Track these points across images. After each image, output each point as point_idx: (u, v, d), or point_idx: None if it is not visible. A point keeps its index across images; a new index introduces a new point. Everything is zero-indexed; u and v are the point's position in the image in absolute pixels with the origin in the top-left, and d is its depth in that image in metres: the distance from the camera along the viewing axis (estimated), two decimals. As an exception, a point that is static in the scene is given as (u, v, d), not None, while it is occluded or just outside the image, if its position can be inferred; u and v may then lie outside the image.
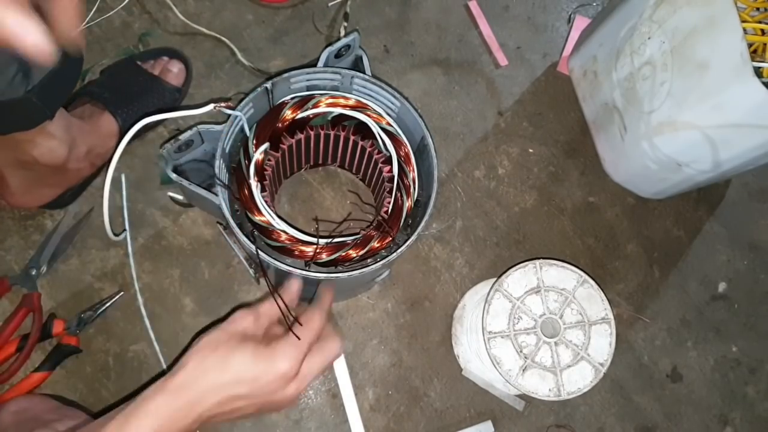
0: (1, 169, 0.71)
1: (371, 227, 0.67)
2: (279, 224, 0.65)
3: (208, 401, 0.49)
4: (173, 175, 0.64)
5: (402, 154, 0.69)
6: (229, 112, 0.63)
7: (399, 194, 0.69)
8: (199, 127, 0.64)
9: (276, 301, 0.56)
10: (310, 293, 0.78)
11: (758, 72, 0.66)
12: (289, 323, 0.55)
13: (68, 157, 0.70)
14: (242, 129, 0.67)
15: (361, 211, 0.83)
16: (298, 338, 0.53)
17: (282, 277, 0.62)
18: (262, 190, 0.66)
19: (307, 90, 0.70)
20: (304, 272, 0.60)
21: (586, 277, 0.71)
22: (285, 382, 0.52)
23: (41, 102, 0.60)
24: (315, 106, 0.69)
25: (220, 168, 0.64)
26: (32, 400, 0.67)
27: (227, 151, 0.67)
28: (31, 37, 0.31)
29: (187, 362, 0.50)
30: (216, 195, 0.63)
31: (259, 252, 0.60)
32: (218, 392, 0.49)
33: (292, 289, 0.60)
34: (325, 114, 0.70)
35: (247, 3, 0.92)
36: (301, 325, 0.54)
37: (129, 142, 0.61)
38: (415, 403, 0.79)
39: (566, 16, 1.00)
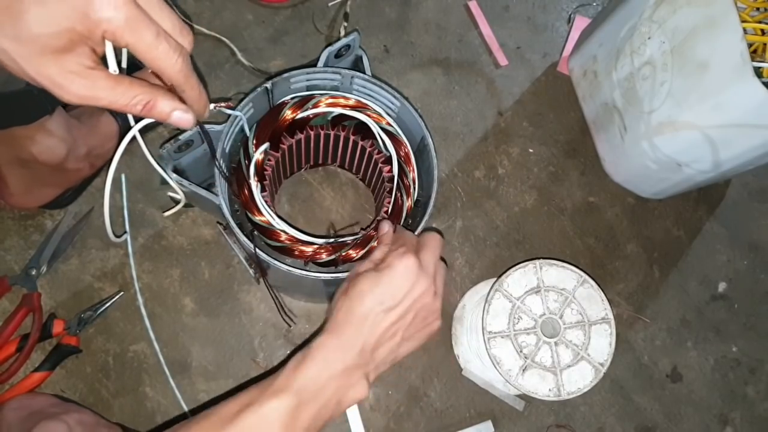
0: (1, 167, 0.71)
1: (371, 227, 0.67)
2: (279, 224, 0.65)
3: (363, 327, 0.51)
4: (173, 175, 0.64)
5: (402, 154, 0.69)
6: (229, 112, 0.63)
7: (399, 194, 0.69)
8: (199, 127, 0.64)
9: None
10: (310, 294, 0.78)
11: (758, 72, 0.66)
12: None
13: (68, 157, 0.70)
14: (242, 129, 0.67)
15: (362, 210, 0.83)
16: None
17: (282, 277, 0.62)
18: (262, 190, 0.66)
19: (307, 90, 0.70)
20: (304, 272, 0.60)
21: (586, 277, 0.71)
22: (414, 276, 0.53)
23: (42, 95, 0.59)
24: (315, 106, 0.69)
25: (220, 168, 0.64)
26: (34, 397, 0.67)
27: (227, 151, 0.67)
28: (185, 120, 0.44)
29: (337, 306, 0.53)
30: (216, 195, 0.63)
31: (258, 252, 0.60)
32: (366, 316, 0.51)
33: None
34: (325, 114, 0.70)
35: (247, 3, 0.92)
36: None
37: (129, 142, 0.61)
38: (415, 403, 0.79)
39: (566, 16, 1.00)
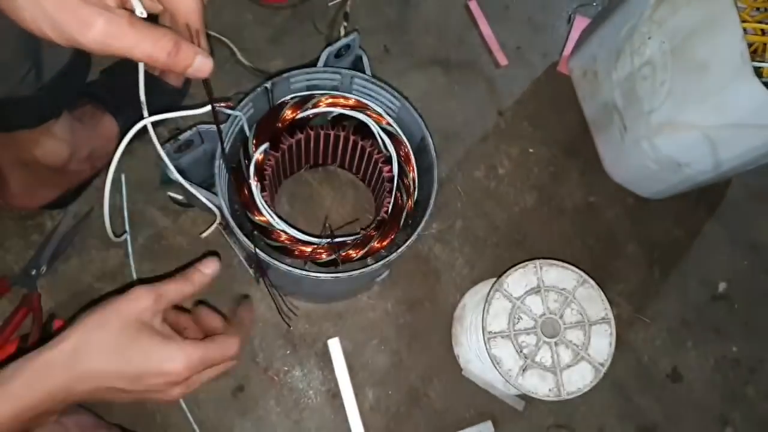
0: (3, 168, 0.71)
1: (371, 227, 0.67)
2: (279, 224, 0.65)
3: (82, 387, 0.44)
4: (173, 175, 0.64)
5: (402, 154, 0.69)
6: (229, 112, 0.63)
7: (399, 194, 0.69)
8: (199, 127, 0.64)
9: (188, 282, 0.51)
10: (310, 294, 0.78)
11: (758, 72, 0.66)
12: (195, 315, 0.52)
13: (70, 159, 0.71)
14: (242, 129, 0.67)
15: (362, 211, 0.83)
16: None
17: (282, 277, 0.62)
18: (262, 190, 0.66)
19: (307, 90, 0.70)
20: (304, 272, 0.60)
21: (586, 277, 0.71)
22: (172, 385, 0.47)
23: (51, 100, 0.60)
24: (315, 106, 0.69)
25: (220, 168, 0.64)
26: None
27: (227, 151, 0.67)
28: (206, 67, 0.40)
29: (66, 339, 0.44)
30: (216, 195, 0.63)
31: (258, 252, 0.60)
32: (96, 380, 0.44)
33: (205, 272, 0.53)
34: (325, 114, 0.70)
35: (247, 3, 0.92)
36: (207, 332, 0.52)
37: (129, 143, 0.61)
38: (415, 403, 0.79)
39: (566, 16, 1.00)
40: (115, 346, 0.45)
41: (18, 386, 0.42)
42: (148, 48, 0.37)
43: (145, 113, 0.50)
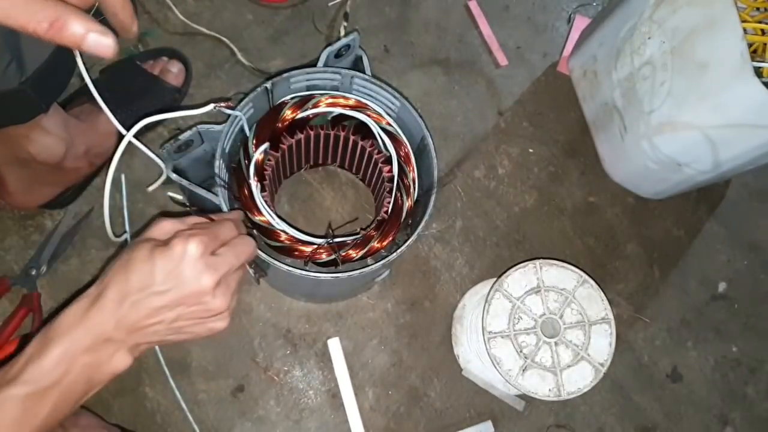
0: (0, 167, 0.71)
1: (371, 227, 0.67)
2: (279, 224, 0.65)
3: (117, 306, 0.46)
4: (173, 175, 0.64)
5: (402, 154, 0.69)
6: (229, 112, 0.63)
7: (399, 194, 0.69)
8: (199, 127, 0.64)
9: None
10: (310, 294, 0.78)
11: (758, 72, 0.66)
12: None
13: (66, 156, 0.70)
14: (242, 129, 0.67)
15: (362, 211, 0.83)
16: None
17: (282, 276, 0.62)
18: (262, 190, 0.66)
19: (307, 90, 0.70)
20: (304, 272, 0.60)
21: (586, 277, 0.71)
22: (191, 268, 0.47)
23: (36, 94, 0.59)
24: (315, 106, 0.69)
25: (220, 168, 0.64)
26: None
27: (227, 151, 0.67)
28: (104, 46, 0.36)
29: (101, 276, 0.48)
30: (216, 195, 0.63)
31: (258, 252, 0.60)
32: (124, 294, 0.46)
33: (232, 216, 0.56)
34: (325, 114, 0.70)
35: (247, 3, 0.92)
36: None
37: (129, 142, 0.61)
38: (415, 403, 0.78)
39: (566, 16, 1.00)
40: (128, 260, 0.47)
41: (67, 324, 0.45)
42: (23, 21, 0.34)
43: (102, 105, 0.53)
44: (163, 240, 0.49)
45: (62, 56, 0.63)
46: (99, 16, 0.38)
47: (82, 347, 0.45)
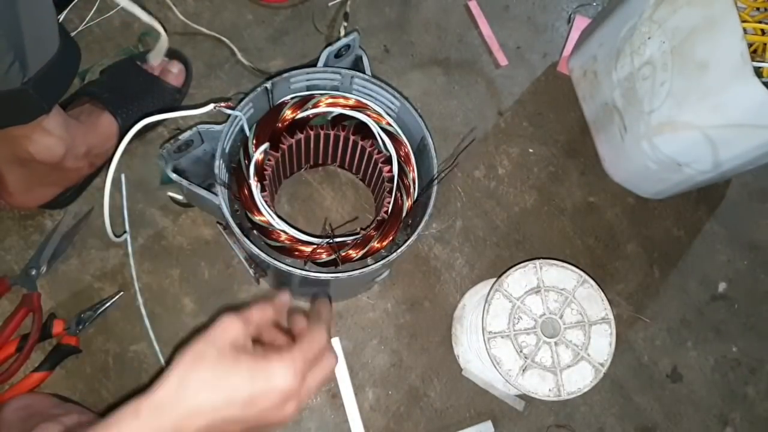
0: (0, 167, 0.71)
1: (371, 227, 0.67)
2: (279, 224, 0.65)
3: (193, 425, 0.41)
4: (173, 175, 0.64)
5: (402, 154, 0.69)
6: (229, 112, 0.63)
7: (399, 194, 0.69)
8: (199, 127, 0.64)
9: (265, 306, 0.51)
10: (309, 294, 0.78)
11: (758, 72, 0.66)
12: (284, 330, 0.51)
13: (66, 156, 0.70)
14: (242, 129, 0.67)
15: (361, 211, 0.83)
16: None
17: (282, 276, 0.62)
18: (262, 190, 0.66)
19: (307, 90, 0.70)
20: (304, 272, 0.60)
21: (586, 277, 0.71)
22: (284, 400, 0.45)
23: (38, 94, 0.59)
24: (315, 106, 0.69)
25: (220, 168, 0.64)
26: (34, 397, 0.67)
27: (227, 151, 0.67)
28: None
29: (168, 379, 0.42)
30: (216, 195, 0.63)
31: (258, 252, 0.60)
32: (207, 415, 0.42)
33: (283, 300, 0.54)
34: (325, 114, 0.70)
35: (247, 3, 0.92)
36: (295, 334, 0.50)
37: (129, 142, 0.61)
38: (415, 403, 0.79)
39: (566, 16, 1.00)
40: (218, 375, 0.43)
41: (129, 429, 0.40)
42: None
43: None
44: (243, 346, 0.46)
45: (65, 57, 0.63)
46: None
47: None
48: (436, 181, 0.66)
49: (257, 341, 0.49)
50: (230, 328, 0.46)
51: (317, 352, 0.48)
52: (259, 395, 0.43)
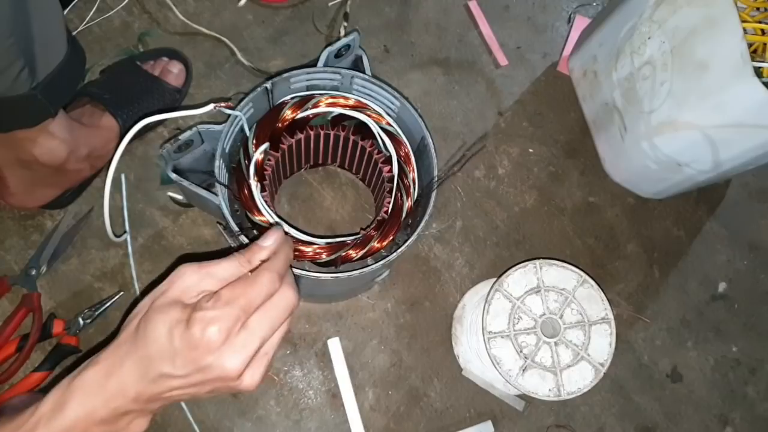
0: (1, 168, 0.71)
1: (371, 227, 0.67)
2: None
3: (137, 382, 0.41)
4: (173, 175, 0.64)
5: (402, 154, 0.69)
6: (229, 112, 0.63)
7: (399, 194, 0.69)
8: (199, 127, 0.64)
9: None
10: (310, 294, 0.78)
11: (758, 72, 0.66)
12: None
13: (69, 158, 0.70)
14: (242, 129, 0.67)
15: (361, 211, 0.83)
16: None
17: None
18: (262, 190, 0.66)
19: (307, 90, 0.70)
20: (304, 272, 0.60)
21: (586, 277, 0.71)
22: (212, 354, 0.41)
23: (45, 99, 0.60)
24: (315, 106, 0.69)
25: (220, 168, 0.64)
26: (34, 397, 0.67)
27: (227, 151, 0.67)
28: None
29: (120, 335, 0.43)
30: (216, 195, 0.63)
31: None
32: (144, 372, 0.41)
33: (264, 244, 0.46)
34: (325, 114, 0.70)
35: (247, 3, 0.92)
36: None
37: (129, 142, 0.61)
38: (415, 403, 0.78)
39: (566, 16, 1.00)
40: (146, 327, 0.42)
41: (83, 390, 0.41)
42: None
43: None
44: (185, 303, 0.42)
45: (72, 63, 0.63)
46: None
47: (98, 418, 0.41)
48: (435, 184, 0.65)
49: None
50: (183, 280, 0.43)
51: (258, 295, 0.43)
52: (183, 348, 0.41)
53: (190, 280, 0.43)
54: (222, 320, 0.41)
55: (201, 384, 0.42)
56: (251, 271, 0.45)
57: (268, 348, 0.44)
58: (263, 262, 0.45)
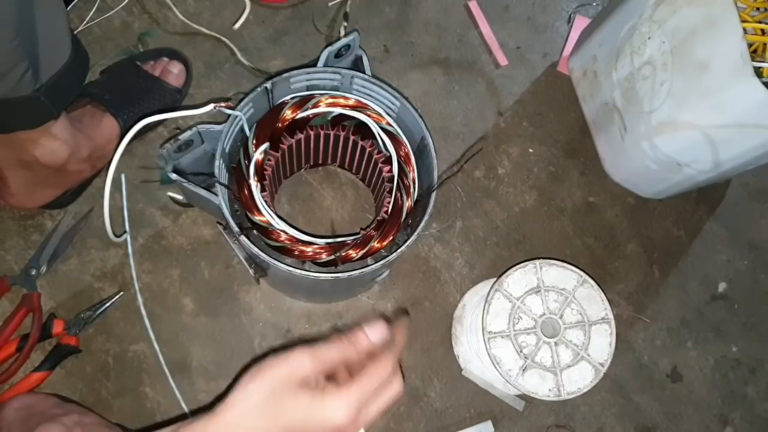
0: (2, 168, 0.71)
1: (371, 227, 0.67)
2: (279, 224, 0.65)
3: None
4: (173, 175, 0.64)
5: (402, 154, 0.69)
6: (229, 112, 0.63)
7: (399, 194, 0.69)
8: (199, 127, 0.64)
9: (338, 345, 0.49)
10: (310, 294, 0.78)
11: (758, 72, 0.66)
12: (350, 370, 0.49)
13: (70, 159, 0.71)
14: (242, 129, 0.67)
15: (361, 211, 0.83)
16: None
17: (282, 276, 0.62)
18: (262, 190, 0.66)
19: (307, 90, 0.70)
20: (304, 272, 0.60)
21: (586, 277, 0.71)
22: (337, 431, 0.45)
23: (48, 101, 0.60)
24: (315, 106, 0.69)
25: (220, 168, 0.64)
26: (35, 397, 0.67)
27: (227, 151, 0.67)
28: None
29: (235, 401, 0.44)
30: (216, 195, 0.63)
31: (258, 252, 0.60)
32: None
33: (372, 338, 0.50)
34: (325, 114, 0.70)
35: (246, 4, 0.92)
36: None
37: (129, 142, 0.61)
38: (415, 403, 0.78)
39: (566, 16, 1.00)
40: (282, 404, 0.44)
41: None
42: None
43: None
44: (302, 379, 0.46)
45: (75, 65, 0.64)
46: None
47: None
48: (435, 185, 0.66)
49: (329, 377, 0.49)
50: (300, 363, 0.47)
51: (378, 385, 0.48)
52: (315, 427, 0.45)
53: (306, 365, 0.47)
54: (352, 409, 0.45)
55: None
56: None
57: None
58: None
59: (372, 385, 0.47)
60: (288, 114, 0.69)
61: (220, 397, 0.76)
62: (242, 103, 0.65)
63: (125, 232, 0.75)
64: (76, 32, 0.87)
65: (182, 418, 0.73)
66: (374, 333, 0.49)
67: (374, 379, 0.47)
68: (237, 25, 0.90)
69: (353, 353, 0.49)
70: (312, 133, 0.71)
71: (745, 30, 0.62)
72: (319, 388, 0.46)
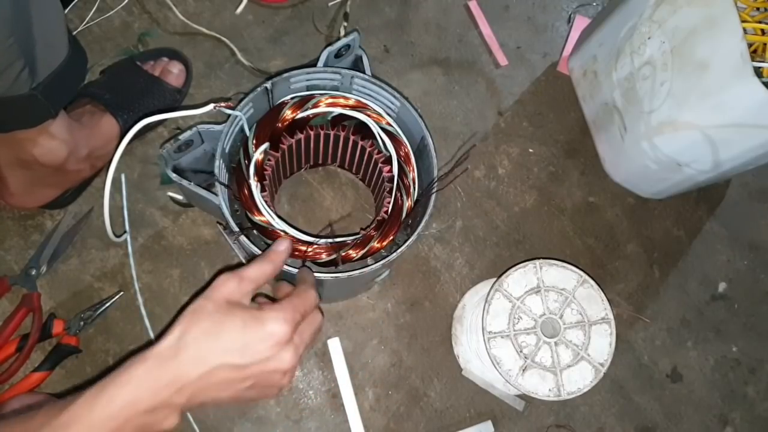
0: (1, 168, 0.71)
1: (371, 227, 0.67)
2: (279, 224, 0.65)
3: (193, 371, 0.45)
4: (173, 175, 0.64)
5: (402, 154, 0.69)
6: (229, 112, 0.63)
7: (399, 194, 0.69)
8: (199, 127, 0.64)
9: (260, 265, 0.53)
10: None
11: (758, 72, 0.66)
12: (274, 289, 0.53)
13: (69, 159, 0.70)
14: (242, 129, 0.67)
15: (361, 211, 0.83)
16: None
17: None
18: (262, 190, 0.66)
19: (307, 90, 0.70)
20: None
21: (586, 277, 0.71)
22: (278, 347, 0.48)
23: (46, 100, 0.60)
24: (315, 106, 0.69)
25: (220, 168, 0.64)
26: (35, 397, 0.67)
27: (227, 151, 0.67)
28: None
29: (171, 333, 0.46)
30: (216, 195, 0.63)
31: (253, 248, 0.60)
32: (205, 362, 0.45)
33: (280, 249, 0.56)
34: (325, 114, 0.70)
35: (247, 3, 0.92)
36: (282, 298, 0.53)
37: (129, 142, 0.61)
38: (415, 403, 0.79)
39: (566, 16, 1.00)
40: (214, 325, 0.47)
41: (135, 373, 0.44)
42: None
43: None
44: (242, 304, 0.50)
45: (73, 64, 0.64)
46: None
47: (142, 409, 0.43)
48: (435, 185, 0.66)
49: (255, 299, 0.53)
50: (225, 285, 0.50)
51: (307, 307, 0.52)
52: (254, 340, 0.47)
53: (232, 285, 0.50)
54: (289, 322, 0.49)
55: (253, 377, 0.47)
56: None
57: (303, 356, 0.52)
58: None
59: (303, 305, 0.51)
60: (288, 114, 0.69)
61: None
62: (242, 103, 0.65)
63: (125, 232, 0.75)
64: (75, 32, 0.87)
65: (182, 417, 0.73)
66: (280, 245, 0.56)
67: (303, 301, 0.52)
68: (239, 10, 0.90)
69: (270, 268, 0.54)
70: (312, 133, 0.71)
71: (745, 30, 0.62)
72: (253, 307, 0.49)
